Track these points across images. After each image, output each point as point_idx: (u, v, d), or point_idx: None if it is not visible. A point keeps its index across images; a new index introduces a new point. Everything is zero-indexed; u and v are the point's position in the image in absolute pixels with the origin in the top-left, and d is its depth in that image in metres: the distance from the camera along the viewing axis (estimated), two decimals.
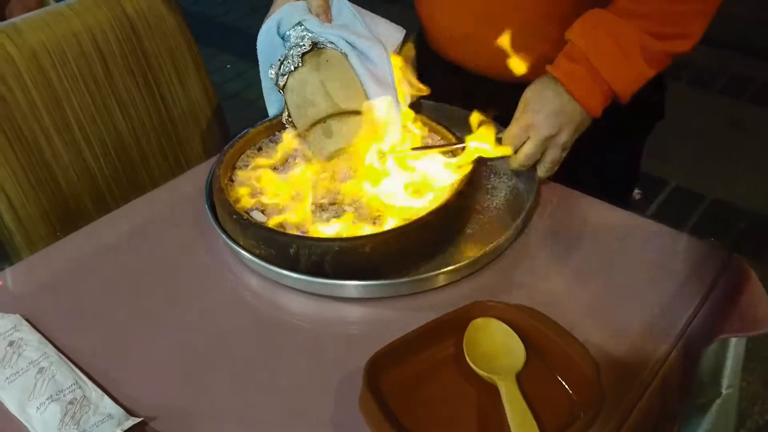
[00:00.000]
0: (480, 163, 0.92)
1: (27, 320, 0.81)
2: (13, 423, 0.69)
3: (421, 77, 1.21)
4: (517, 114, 0.89)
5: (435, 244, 0.85)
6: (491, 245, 0.83)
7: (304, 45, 0.92)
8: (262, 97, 1.02)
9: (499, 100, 0.90)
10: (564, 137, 0.88)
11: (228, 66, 3.21)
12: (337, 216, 0.88)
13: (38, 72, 1.03)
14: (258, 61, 1.00)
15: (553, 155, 0.90)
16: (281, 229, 0.85)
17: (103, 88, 1.11)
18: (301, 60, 0.92)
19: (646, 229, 0.90)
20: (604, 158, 1.05)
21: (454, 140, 0.96)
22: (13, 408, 0.71)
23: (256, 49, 0.99)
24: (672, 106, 1.13)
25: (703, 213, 2.19)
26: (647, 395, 0.68)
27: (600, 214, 0.93)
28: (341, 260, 0.80)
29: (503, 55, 0.99)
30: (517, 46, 0.97)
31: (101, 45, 1.09)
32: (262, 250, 0.83)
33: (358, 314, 0.82)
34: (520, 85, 0.92)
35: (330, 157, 0.93)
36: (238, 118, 1.32)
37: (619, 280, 0.82)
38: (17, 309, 0.82)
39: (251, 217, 0.86)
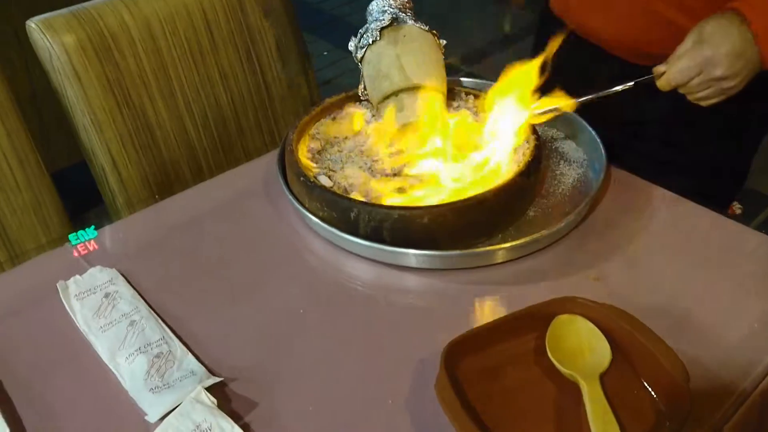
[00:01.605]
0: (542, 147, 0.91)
1: (122, 275, 0.85)
2: (104, 370, 0.73)
3: (538, 48, 1.20)
4: (687, 47, 0.83)
5: (493, 221, 0.86)
6: (550, 229, 0.83)
7: (383, 19, 0.95)
8: (355, 85, 1.03)
9: (617, 76, 0.88)
10: (733, 82, 0.81)
11: (325, 53, 3.25)
12: (403, 186, 0.89)
13: (150, 40, 1.07)
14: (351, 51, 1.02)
15: (709, 94, 0.83)
16: (344, 194, 0.86)
17: (208, 59, 1.14)
18: (380, 34, 0.95)
19: (749, 239, 0.85)
20: (712, 156, 0.99)
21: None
22: (104, 356, 0.74)
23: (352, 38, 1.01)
24: None
25: None
26: (743, 410, 0.64)
27: (690, 217, 0.89)
28: (399, 228, 0.81)
29: (633, 20, 0.95)
30: (650, 12, 0.93)
31: (209, 17, 1.13)
32: (325, 213, 0.85)
33: (417, 283, 0.83)
34: (637, 65, 0.89)
35: (401, 130, 0.94)
36: None
37: (716, 288, 0.78)
38: (113, 265, 0.86)
39: (317, 180, 0.89)
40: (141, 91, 1.07)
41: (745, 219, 2.07)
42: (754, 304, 0.75)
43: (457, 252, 0.81)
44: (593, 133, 0.99)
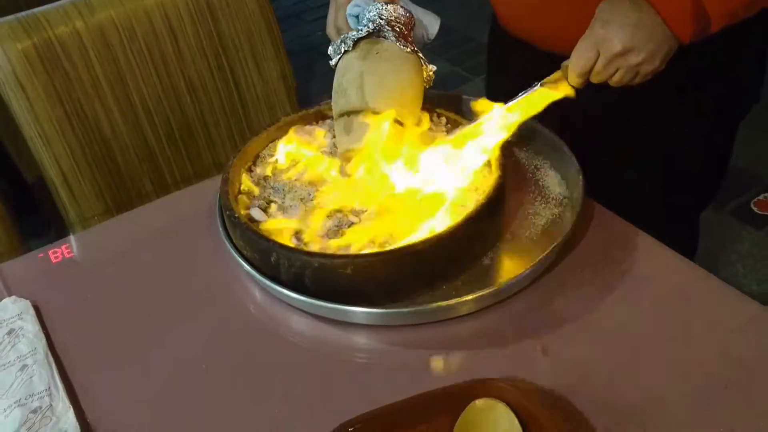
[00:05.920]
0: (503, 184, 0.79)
1: (36, 306, 0.80)
2: None
3: (492, 57, 1.17)
4: (587, 31, 0.78)
5: (433, 273, 0.75)
6: (500, 284, 0.73)
7: (362, 30, 0.85)
8: None
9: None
10: (639, 58, 0.75)
11: None
12: (341, 225, 0.79)
13: (104, 48, 1.01)
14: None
15: (621, 76, 0.77)
16: (267, 234, 0.77)
17: (172, 68, 1.07)
18: (354, 45, 0.85)
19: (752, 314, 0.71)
20: (686, 147, 0.95)
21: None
22: None
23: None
24: None
25: None
26: None
27: (674, 277, 0.76)
28: (321, 278, 0.72)
29: (570, 24, 0.87)
30: (585, 14, 0.84)
31: (173, 23, 1.05)
32: (249, 253, 0.77)
33: (336, 335, 0.74)
34: None
35: (344, 155, 0.85)
36: None
37: (687, 383, 0.65)
38: (33, 294, 0.81)
39: (250, 213, 0.81)
40: (94, 102, 1.02)
41: None
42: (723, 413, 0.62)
43: (363, 309, 0.71)
44: (576, 164, 0.86)
